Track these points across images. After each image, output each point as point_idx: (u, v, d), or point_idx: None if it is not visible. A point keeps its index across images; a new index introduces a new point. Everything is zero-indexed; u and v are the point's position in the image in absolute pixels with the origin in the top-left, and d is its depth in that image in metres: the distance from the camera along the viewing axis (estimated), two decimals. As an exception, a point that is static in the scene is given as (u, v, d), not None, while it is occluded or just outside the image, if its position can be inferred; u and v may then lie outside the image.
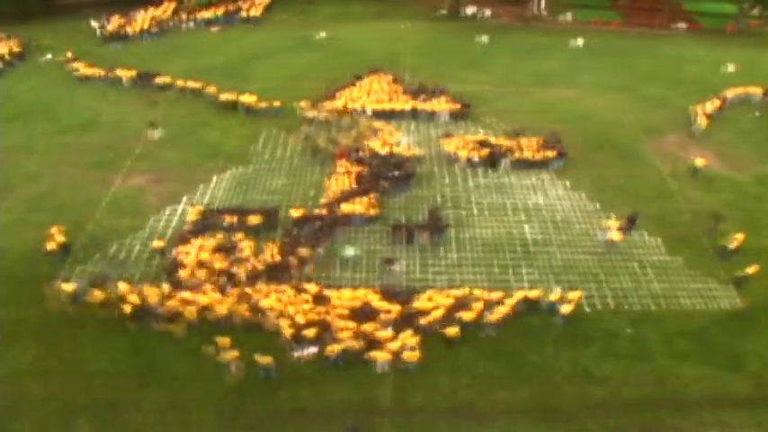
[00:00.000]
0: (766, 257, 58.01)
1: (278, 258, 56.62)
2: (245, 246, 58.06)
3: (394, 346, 47.87)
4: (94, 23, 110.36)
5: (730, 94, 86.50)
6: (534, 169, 71.18)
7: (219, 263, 56.01)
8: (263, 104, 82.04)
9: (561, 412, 44.87)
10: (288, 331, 49.15)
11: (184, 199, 65.62)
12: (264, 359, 46.67)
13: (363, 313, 51.01)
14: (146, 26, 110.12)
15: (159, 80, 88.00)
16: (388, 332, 49.15)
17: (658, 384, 47.01)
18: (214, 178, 68.97)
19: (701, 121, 79.94)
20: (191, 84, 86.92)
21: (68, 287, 52.86)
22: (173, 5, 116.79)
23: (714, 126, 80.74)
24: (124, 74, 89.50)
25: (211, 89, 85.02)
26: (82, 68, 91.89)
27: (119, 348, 48.89)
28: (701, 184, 68.87)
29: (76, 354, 48.53)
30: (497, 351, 49.02)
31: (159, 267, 56.69)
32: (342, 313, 50.92)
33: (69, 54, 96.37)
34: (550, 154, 72.15)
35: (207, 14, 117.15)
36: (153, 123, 76.11)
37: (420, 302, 52.13)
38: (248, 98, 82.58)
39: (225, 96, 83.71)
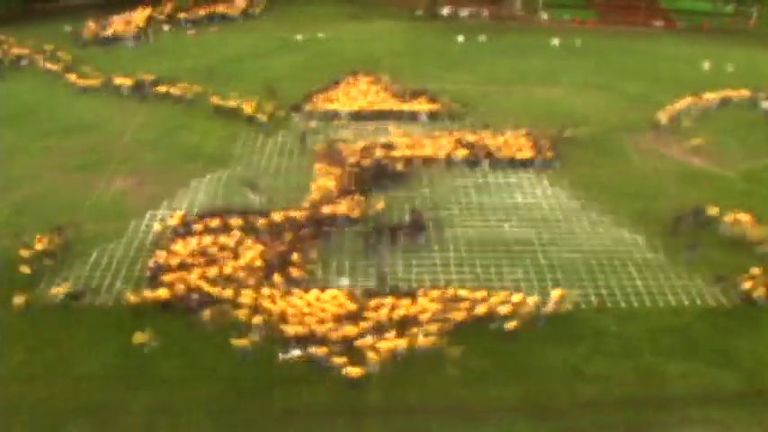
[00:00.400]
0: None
1: (260, 262, 56.76)
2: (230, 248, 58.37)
3: (384, 346, 48.04)
4: (68, 28, 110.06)
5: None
6: (516, 168, 71.44)
7: (208, 266, 56.09)
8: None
9: (552, 410, 45.05)
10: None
11: (165, 203, 65.57)
12: (241, 341, 48.13)
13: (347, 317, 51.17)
14: (123, 30, 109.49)
15: (161, 88, 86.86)
16: (369, 339, 49.27)
17: (645, 382, 47.21)
18: (193, 182, 68.96)
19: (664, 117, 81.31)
20: (194, 88, 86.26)
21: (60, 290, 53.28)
22: (148, 10, 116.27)
23: (694, 123, 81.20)
24: (123, 82, 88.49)
25: (215, 99, 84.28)
26: (76, 79, 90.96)
27: (107, 351, 48.80)
28: (683, 181, 69.11)
29: (64, 357, 48.43)
30: (488, 350, 49.11)
31: (142, 270, 56.64)
32: (324, 317, 51.06)
33: (57, 65, 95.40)
34: (529, 153, 72.49)
35: (188, 15, 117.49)
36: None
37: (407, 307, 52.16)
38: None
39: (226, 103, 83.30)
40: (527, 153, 72.53)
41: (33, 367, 47.76)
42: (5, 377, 47.05)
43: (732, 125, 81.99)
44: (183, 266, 55.96)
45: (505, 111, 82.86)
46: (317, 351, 47.53)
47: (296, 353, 47.89)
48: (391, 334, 49.20)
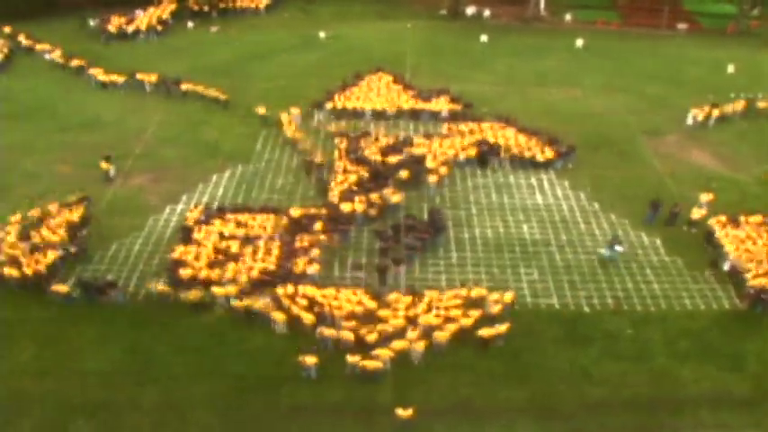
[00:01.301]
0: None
1: (276, 258, 56.81)
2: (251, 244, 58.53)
3: (399, 345, 47.97)
4: (92, 22, 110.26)
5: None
6: (532, 169, 71.30)
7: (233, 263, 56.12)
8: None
9: (560, 412, 44.91)
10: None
11: (184, 198, 65.77)
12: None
13: (364, 317, 51.09)
14: (145, 26, 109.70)
15: (184, 86, 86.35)
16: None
17: (657, 385, 47.00)
18: (214, 177, 69.06)
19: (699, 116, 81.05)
20: (213, 92, 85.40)
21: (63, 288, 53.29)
22: (172, 5, 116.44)
23: (715, 127, 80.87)
24: (146, 78, 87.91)
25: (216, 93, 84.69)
26: (100, 75, 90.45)
27: (116, 347, 49.03)
28: (702, 185, 68.50)
29: (74, 353, 48.63)
30: (497, 350, 49.02)
31: (160, 266, 56.76)
32: (341, 314, 51.05)
33: (78, 60, 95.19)
34: (549, 154, 72.25)
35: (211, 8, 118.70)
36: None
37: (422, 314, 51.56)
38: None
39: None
40: (540, 153, 72.40)
41: (43, 363, 47.98)
42: (16, 372, 47.30)
43: (746, 129, 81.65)
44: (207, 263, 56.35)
45: (524, 111, 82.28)
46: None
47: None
48: (413, 334, 49.22)
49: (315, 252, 57.45)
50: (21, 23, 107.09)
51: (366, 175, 67.80)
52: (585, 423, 44.33)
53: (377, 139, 74.30)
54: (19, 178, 68.42)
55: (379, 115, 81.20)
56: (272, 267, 55.78)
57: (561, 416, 44.70)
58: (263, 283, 53.91)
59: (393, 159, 70.05)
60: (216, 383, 46.27)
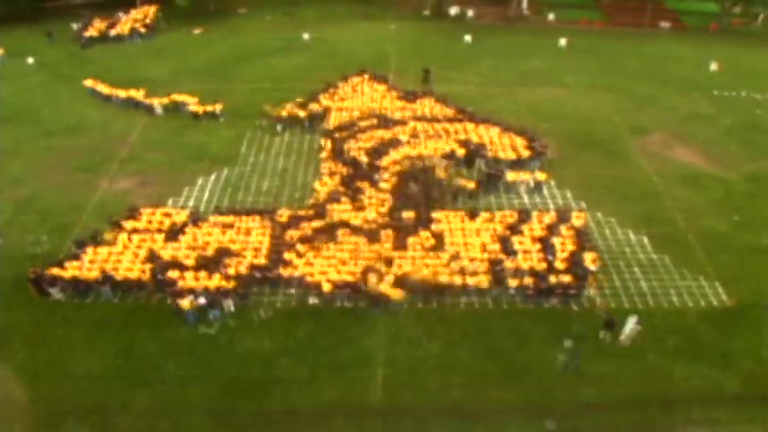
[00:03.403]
0: (758, 255, 58.92)
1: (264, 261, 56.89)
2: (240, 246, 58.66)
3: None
4: (75, 26, 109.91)
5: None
6: (514, 169, 70.66)
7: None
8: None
9: (553, 411, 44.95)
10: None
11: (170, 201, 65.58)
12: None
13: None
14: (128, 29, 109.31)
15: (191, 108, 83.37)
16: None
17: (648, 383, 47.13)
18: (200, 181, 68.92)
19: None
20: (217, 106, 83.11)
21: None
22: (153, 8, 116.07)
23: (700, 125, 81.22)
24: (157, 101, 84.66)
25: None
26: (118, 91, 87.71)
27: (108, 351, 48.89)
28: (688, 183, 68.93)
29: (66, 356, 48.52)
30: (488, 350, 49.13)
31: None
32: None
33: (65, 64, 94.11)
34: (526, 153, 72.16)
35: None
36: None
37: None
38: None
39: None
40: (522, 152, 72.26)
41: (35, 365, 47.88)
42: (7, 375, 47.11)
43: (734, 127, 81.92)
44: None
45: (509, 111, 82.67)
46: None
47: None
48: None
49: (303, 248, 57.86)
50: (10, 27, 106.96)
51: (350, 175, 68.07)
52: (578, 422, 44.46)
53: (362, 140, 74.04)
54: (6, 183, 68.33)
55: (363, 116, 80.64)
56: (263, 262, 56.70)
57: (554, 415, 44.72)
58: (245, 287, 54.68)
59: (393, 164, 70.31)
60: (208, 387, 46.27)
